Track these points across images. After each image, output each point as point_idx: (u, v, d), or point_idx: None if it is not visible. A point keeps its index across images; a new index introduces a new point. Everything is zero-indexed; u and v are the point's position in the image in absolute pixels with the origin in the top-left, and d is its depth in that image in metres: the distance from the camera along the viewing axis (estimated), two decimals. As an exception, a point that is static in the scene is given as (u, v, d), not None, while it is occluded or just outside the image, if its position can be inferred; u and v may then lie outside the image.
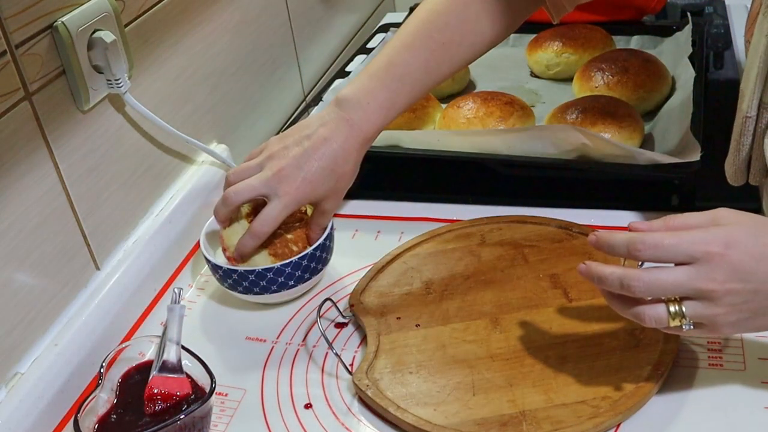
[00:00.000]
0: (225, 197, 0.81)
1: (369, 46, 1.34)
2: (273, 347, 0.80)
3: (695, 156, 0.86)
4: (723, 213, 0.63)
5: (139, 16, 0.84)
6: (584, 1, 0.88)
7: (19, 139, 0.69)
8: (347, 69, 1.24)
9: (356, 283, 0.85)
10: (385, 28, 1.39)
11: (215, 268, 0.82)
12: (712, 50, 1.22)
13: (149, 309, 0.86)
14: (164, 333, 0.72)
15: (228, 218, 0.83)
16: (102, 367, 0.70)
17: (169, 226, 0.90)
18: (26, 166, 0.71)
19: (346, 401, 0.73)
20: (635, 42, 1.25)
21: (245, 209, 0.83)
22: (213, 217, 0.88)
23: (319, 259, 0.83)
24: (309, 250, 0.81)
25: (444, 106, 1.09)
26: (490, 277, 0.83)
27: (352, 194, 1.01)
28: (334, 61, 1.40)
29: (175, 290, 0.75)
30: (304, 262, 0.81)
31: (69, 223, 0.77)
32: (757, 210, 0.87)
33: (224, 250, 0.83)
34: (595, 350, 0.72)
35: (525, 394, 0.69)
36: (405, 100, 0.84)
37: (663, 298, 0.62)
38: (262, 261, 0.81)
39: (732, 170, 0.79)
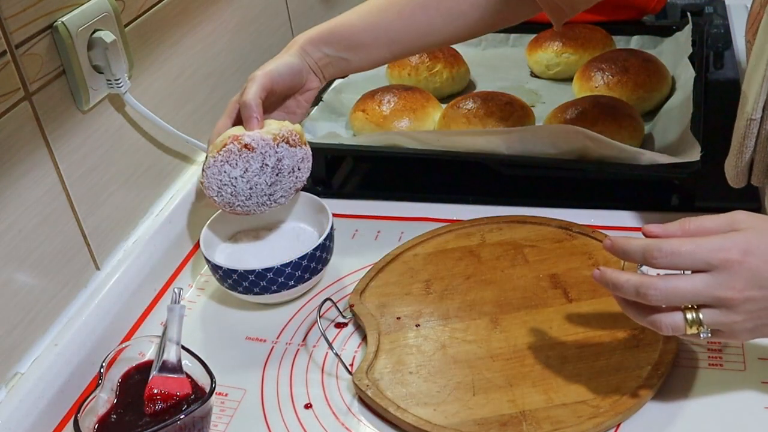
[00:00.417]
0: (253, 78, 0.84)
1: (369, 46, 1.34)
2: (273, 347, 0.80)
3: (695, 156, 0.86)
4: (740, 216, 0.62)
5: (139, 16, 0.84)
6: (585, 9, 0.88)
7: (19, 139, 0.70)
8: (347, 69, 1.24)
9: (356, 283, 0.85)
10: (385, 28, 1.39)
11: (215, 268, 0.82)
12: (712, 50, 1.22)
13: (149, 309, 0.86)
14: (164, 333, 0.72)
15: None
16: (102, 367, 0.70)
17: (169, 226, 0.90)
18: (26, 166, 0.71)
19: (346, 401, 0.73)
20: (635, 42, 1.25)
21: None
22: (213, 217, 0.88)
23: (319, 259, 0.83)
24: (309, 250, 0.81)
25: (444, 106, 1.09)
26: (490, 277, 0.83)
27: (352, 194, 1.02)
28: (334, 61, 1.40)
29: (175, 290, 0.75)
30: (304, 262, 0.81)
31: (69, 223, 0.77)
32: (758, 210, 0.87)
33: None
34: (595, 350, 0.72)
35: (525, 394, 0.69)
36: (363, 25, 0.88)
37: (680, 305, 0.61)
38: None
39: (734, 173, 0.78)
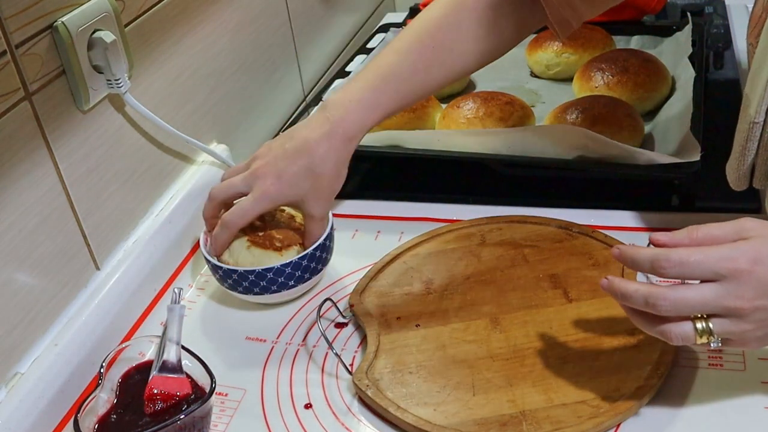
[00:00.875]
0: (209, 194, 0.83)
1: (369, 46, 1.34)
2: (273, 347, 0.80)
3: (695, 156, 0.86)
4: (749, 224, 0.61)
5: (139, 16, 0.84)
6: (590, 18, 0.87)
7: (19, 139, 0.70)
8: (347, 69, 1.24)
9: (356, 283, 0.85)
10: (385, 28, 1.39)
11: (215, 268, 0.82)
12: (712, 50, 1.22)
13: (149, 309, 0.86)
14: (164, 333, 0.72)
15: (213, 215, 0.84)
16: (102, 367, 0.70)
17: (169, 226, 0.90)
18: (26, 166, 0.71)
19: (346, 401, 0.73)
20: (635, 42, 1.25)
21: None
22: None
23: (319, 259, 0.83)
24: (309, 250, 0.81)
25: (444, 106, 1.09)
26: (490, 277, 0.83)
27: (352, 194, 1.02)
28: (334, 61, 1.40)
29: (175, 290, 0.75)
30: (304, 262, 0.81)
31: (69, 223, 0.77)
32: (758, 211, 0.87)
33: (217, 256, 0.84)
34: (595, 350, 0.72)
35: (525, 394, 0.69)
36: (391, 100, 0.82)
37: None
38: (240, 247, 0.82)
39: (735, 176, 0.78)
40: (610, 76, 1.07)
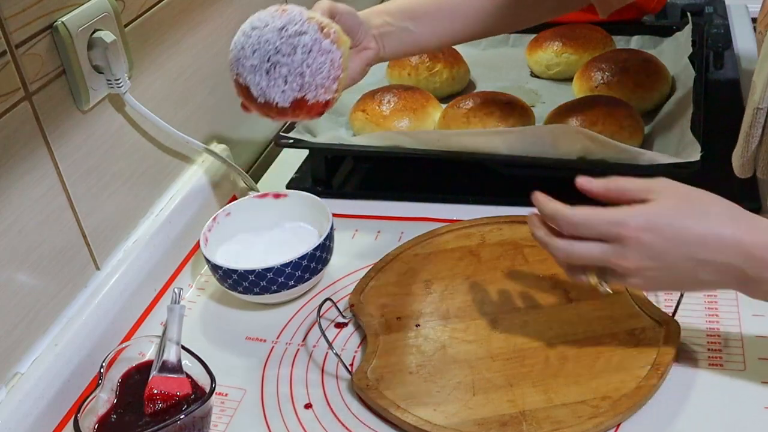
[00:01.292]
0: None
1: (369, 46, 1.34)
2: (273, 347, 0.80)
3: (695, 156, 0.86)
4: (659, 186, 0.65)
5: (139, 16, 0.84)
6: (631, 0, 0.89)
7: (19, 139, 0.70)
8: (347, 69, 1.24)
9: (356, 283, 0.85)
10: (385, 28, 1.39)
11: (215, 268, 0.82)
12: (712, 50, 1.22)
13: (149, 309, 0.86)
14: (164, 333, 0.73)
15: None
16: (102, 367, 0.70)
17: (169, 226, 0.90)
18: (26, 166, 0.71)
19: (346, 401, 0.73)
20: (635, 42, 1.25)
21: None
22: (213, 217, 0.88)
23: (319, 259, 0.83)
24: (309, 250, 0.81)
25: (444, 106, 1.09)
26: (490, 277, 0.83)
27: (352, 194, 1.02)
28: (334, 61, 1.40)
29: (175, 290, 0.75)
30: (304, 262, 0.81)
31: (69, 223, 0.77)
32: (758, 210, 0.87)
33: None
34: (595, 350, 0.72)
35: (525, 394, 0.69)
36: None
37: None
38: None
39: (739, 163, 0.79)
40: (610, 76, 1.07)
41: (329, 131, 1.04)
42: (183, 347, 0.72)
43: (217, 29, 1.00)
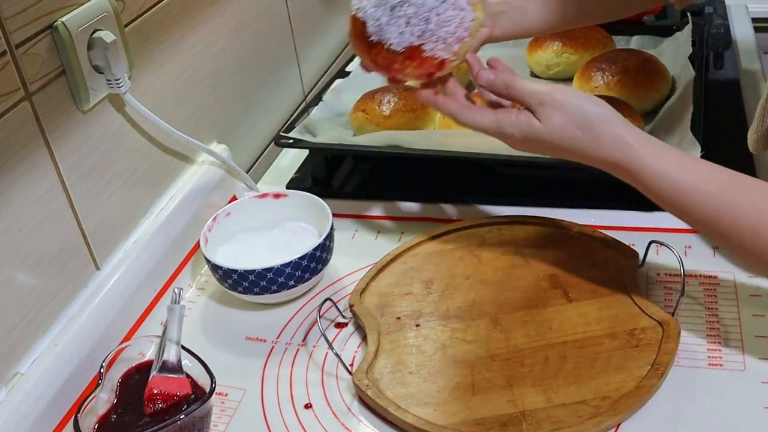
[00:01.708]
0: None
1: (369, 46, 1.34)
2: (273, 347, 0.80)
3: (695, 155, 0.86)
4: (551, 98, 0.68)
5: (139, 16, 0.84)
6: None
7: (19, 139, 0.69)
8: (347, 69, 1.24)
9: (356, 283, 0.85)
10: (385, 28, 1.39)
11: (215, 268, 0.82)
12: (712, 50, 1.22)
13: (149, 309, 0.86)
14: (164, 333, 0.73)
15: None
16: (102, 367, 0.70)
17: (169, 226, 0.90)
18: (26, 166, 0.71)
19: (346, 401, 0.73)
20: (635, 42, 1.25)
21: None
22: (213, 217, 0.88)
23: (319, 259, 0.83)
24: (309, 250, 0.81)
25: (444, 106, 1.09)
26: (490, 277, 0.83)
27: (352, 194, 1.02)
28: (334, 61, 1.40)
29: (175, 290, 0.75)
30: (304, 262, 0.81)
31: (69, 223, 0.77)
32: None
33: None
34: (595, 350, 0.72)
35: (525, 394, 0.69)
36: None
37: None
38: None
39: (754, 138, 0.80)
40: (610, 76, 1.07)
41: (329, 131, 1.04)
42: (183, 347, 0.72)
43: (217, 29, 1.00)
